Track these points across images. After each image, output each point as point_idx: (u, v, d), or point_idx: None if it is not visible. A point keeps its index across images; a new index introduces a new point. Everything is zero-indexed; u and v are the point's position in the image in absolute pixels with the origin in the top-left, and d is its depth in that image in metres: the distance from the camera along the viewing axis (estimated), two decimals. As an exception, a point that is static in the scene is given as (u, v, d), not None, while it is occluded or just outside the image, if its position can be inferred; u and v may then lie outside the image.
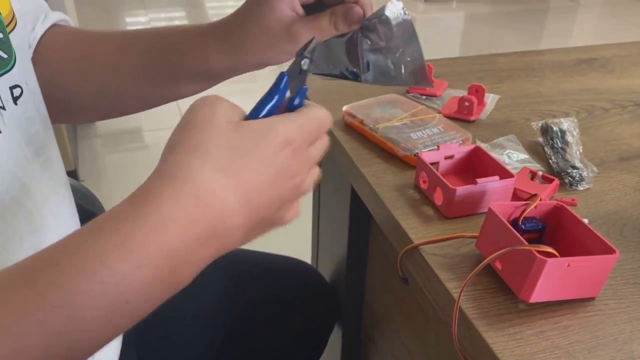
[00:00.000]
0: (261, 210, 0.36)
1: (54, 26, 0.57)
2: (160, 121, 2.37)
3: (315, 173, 0.40)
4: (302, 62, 0.41)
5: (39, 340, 0.28)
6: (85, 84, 0.56)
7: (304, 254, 0.91)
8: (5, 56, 0.43)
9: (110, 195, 1.85)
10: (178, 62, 0.54)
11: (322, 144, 0.40)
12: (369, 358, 0.80)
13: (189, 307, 0.72)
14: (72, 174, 1.82)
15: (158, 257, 0.30)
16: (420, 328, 0.62)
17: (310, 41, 0.42)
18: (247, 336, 0.74)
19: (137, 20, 3.63)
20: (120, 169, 2.06)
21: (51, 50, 0.55)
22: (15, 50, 0.45)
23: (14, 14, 0.47)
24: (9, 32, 0.45)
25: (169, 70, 0.54)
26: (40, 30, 0.55)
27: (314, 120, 0.38)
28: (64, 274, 0.28)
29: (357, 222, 0.72)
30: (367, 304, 0.78)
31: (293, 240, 1.30)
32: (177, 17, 3.75)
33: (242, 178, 0.34)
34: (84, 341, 0.29)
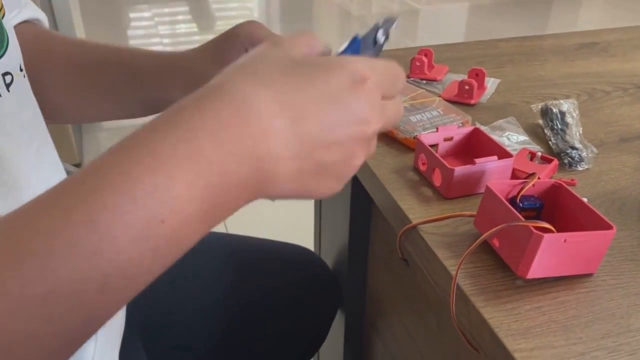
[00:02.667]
0: (317, 152, 0.30)
1: (25, 22, 0.57)
2: (164, 115, 2.37)
3: (374, 143, 0.34)
4: (379, 33, 0.38)
5: (70, 262, 0.25)
6: (47, 94, 0.55)
7: (307, 241, 0.91)
8: None
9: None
10: (137, 85, 0.52)
11: (398, 103, 0.35)
12: (372, 343, 0.80)
13: (191, 293, 0.73)
14: (77, 167, 1.83)
15: (189, 168, 0.27)
16: (421, 311, 0.63)
17: (391, 18, 0.39)
18: (249, 323, 0.74)
19: (141, 16, 3.64)
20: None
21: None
22: (8, 35, 0.45)
23: (1, 2, 0.48)
24: (1, 18, 0.45)
25: (125, 90, 0.53)
26: (13, 22, 0.55)
27: (389, 66, 0.34)
28: (90, 189, 0.26)
29: (359, 209, 0.72)
30: (369, 289, 0.78)
31: (295, 227, 1.31)
32: (180, 12, 3.75)
33: (296, 103, 0.29)
34: (122, 265, 0.26)
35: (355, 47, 0.36)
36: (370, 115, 0.32)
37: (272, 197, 0.31)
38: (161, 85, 0.51)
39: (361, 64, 0.32)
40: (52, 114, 0.57)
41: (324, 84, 0.30)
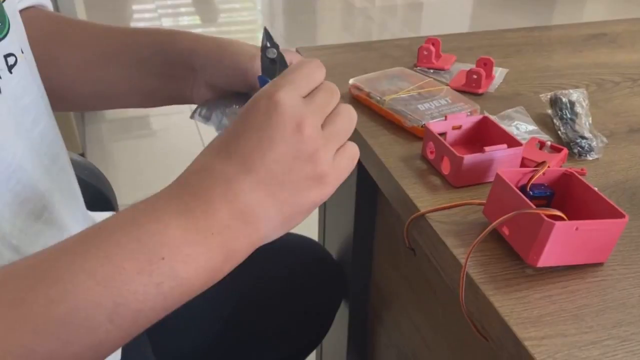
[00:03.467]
0: (271, 170, 0.35)
1: (31, 8, 0.57)
2: (166, 107, 2.37)
3: (334, 133, 0.38)
4: (268, 52, 0.42)
5: (87, 287, 0.29)
6: (60, 71, 0.55)
7: (311, 231, 0.91)
8: None
9: (117, 178, 1.86)
10: (163, 60, 0.53)
11: (325, 89, 0.38)
12: (376, 334, 0.80)
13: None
14: (81, 157, 1.83)
15: (179, 217, 0.33)
16: (427, 301, 0.62)
17: (266, 32, 0.43)
18: (254, 313, 0.74)
19: (144, 8, 3.62)
20: (127, 154, 2.07)
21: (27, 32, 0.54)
22: (9, 18, 0.45)
23: None
24: (2, 2, 0.45)
25: (151, 68, 0.54)
26: (18, 7, 0.54)
27: (293, 68, 0.37)
28: (107, 231, 0.32)
29: (364, 199, 0.72)
30: (373, 280, 0.78)
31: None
32: (183, 4, 3.74)
33: (236, 149, 0.35)
34: (129, 296, 0.30)
35: (263, 82, 0.39)
36: (295, 113, 0.35)
37: (270, 224, 0.36)
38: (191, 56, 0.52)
39: (266, 87, 0.36)
40: (65, 100, 0.57)
41: (246, 122, 0.36)
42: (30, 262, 0.30)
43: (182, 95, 0.55)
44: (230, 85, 0.51)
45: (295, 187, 0.36)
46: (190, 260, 0.32)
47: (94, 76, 0.56)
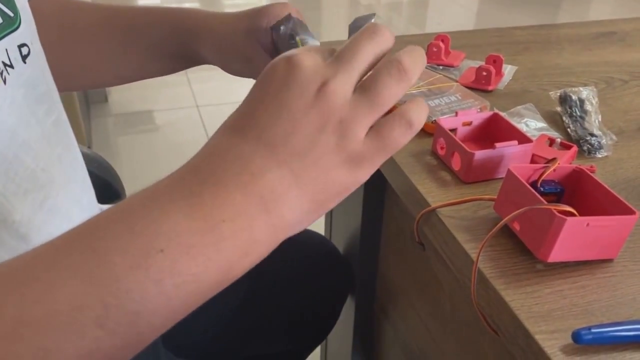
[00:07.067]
0: (288, 145, 0.30)
1: None
2: (172, 102, 2.37)
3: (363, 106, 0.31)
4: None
5: (68, 286, 0.25)
6: (67, 54, 0.57)
7: (318, 226, 0.91)
8: (11, 14, 0.44)
9: (123, 172, 1.86)
10: (159, 41, 0.57)
11: (359, 44, 0.31)
12: (382, 329, 0.80)
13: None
14: (86, 152, 1.83)
15: (181, 195, 0.28)
16: (434, 297, 0.63)
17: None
18: (260, 307, 0.74)
19: (150, 1, 3.62)
20: (132, 148, 2.08)
21: (36, 18, 0.55)
22: (20, 10, 0.45)
23: None
24: None
25: (150, 48, 0.58)
26: None
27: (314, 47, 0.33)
28: (93, 227, 0.28)
29: (372, 193, 0.72)
30: (380, 275, 0.78)
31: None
32: (188, 0, 3.75)
33: (250, 120, 0.30)
34: (122, 296, 0.25)
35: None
36: (317, 73, 0.30)
37: (296, 209, 0.30)
38: (196, 42, 0.56)
39: (287, 51, 0.32)
40: (82, 79, 0.60)
41: (262, 90, 0.31)
42: (11, 262, 0.26)
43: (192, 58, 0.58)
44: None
45: (321, 165, 0.30)
46: (195, 253, 0.27)
47: (104, 57, 0.59)
